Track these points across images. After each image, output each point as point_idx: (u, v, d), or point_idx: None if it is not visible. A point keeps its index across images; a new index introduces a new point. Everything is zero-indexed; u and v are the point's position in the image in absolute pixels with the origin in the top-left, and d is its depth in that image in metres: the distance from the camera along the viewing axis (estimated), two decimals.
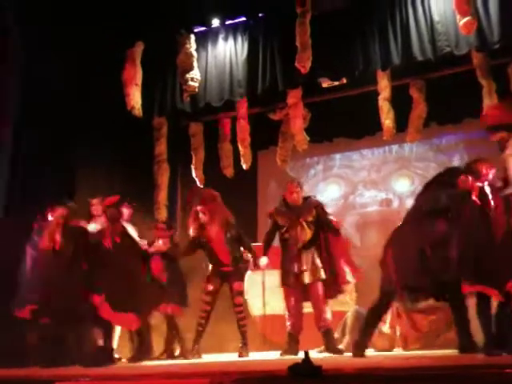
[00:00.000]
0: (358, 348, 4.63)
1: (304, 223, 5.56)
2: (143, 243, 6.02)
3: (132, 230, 5.98)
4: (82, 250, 5.38)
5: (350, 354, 5.47)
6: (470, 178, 4.25)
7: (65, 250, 5.34)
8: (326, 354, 5.36)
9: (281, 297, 5.78)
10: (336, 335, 5.95)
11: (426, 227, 4.41)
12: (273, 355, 5.65)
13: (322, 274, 5.47)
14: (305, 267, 5.45)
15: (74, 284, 5.21)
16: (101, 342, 5.20)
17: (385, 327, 5.63)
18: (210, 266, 5.99)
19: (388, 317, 5.63)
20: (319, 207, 5.68)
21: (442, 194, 4.44)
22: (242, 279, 5.98)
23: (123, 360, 5.84)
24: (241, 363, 4.80)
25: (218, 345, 6.93)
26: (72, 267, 5.29)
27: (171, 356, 6.04)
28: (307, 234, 5.54)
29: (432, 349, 5.24)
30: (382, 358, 4.11)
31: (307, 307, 5.63)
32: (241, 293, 5.92)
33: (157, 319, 6.15)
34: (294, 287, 5.52)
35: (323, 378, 3.02)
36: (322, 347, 5.56)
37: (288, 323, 5.57)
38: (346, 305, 6.47)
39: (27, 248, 5.66)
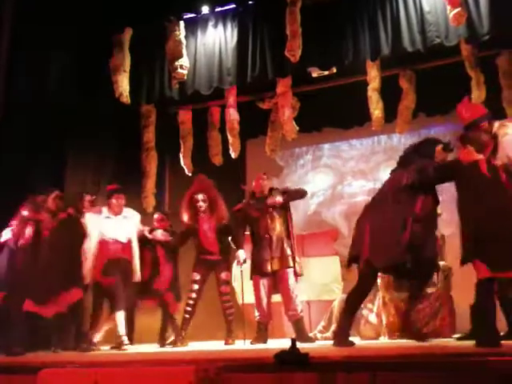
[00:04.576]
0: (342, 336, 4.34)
1: (274, 212, 5.59)
2: (144, 229, 6.07)
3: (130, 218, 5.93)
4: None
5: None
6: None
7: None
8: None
9: None
10: (323, 323, 5.98)
11: (407, 202, 4.11)
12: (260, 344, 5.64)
13: (290, 262, 5.48)
14: (274, 254, 5.47)
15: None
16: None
17: (371, 316, 5.66)
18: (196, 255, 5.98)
19: (375, 306, 5.66)
20: (286, 192, 5.71)
21: (427, 167, 4.16)
22: (229, 269, 6.01)
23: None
24: (226, 351, 4.79)
25: (206, 333, 6.92)
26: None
27: (163, 344, 6.04)
28: (277, 222, 5.58)
29: None
30: (368, 346, 4.12)
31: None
32: (227, 282, 5.92)
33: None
34: (265, 276, 5.52)
35: (310, 366, 3.02)
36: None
37: (257, 313, 5.59)
38: (333, 293, 6.50)
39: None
